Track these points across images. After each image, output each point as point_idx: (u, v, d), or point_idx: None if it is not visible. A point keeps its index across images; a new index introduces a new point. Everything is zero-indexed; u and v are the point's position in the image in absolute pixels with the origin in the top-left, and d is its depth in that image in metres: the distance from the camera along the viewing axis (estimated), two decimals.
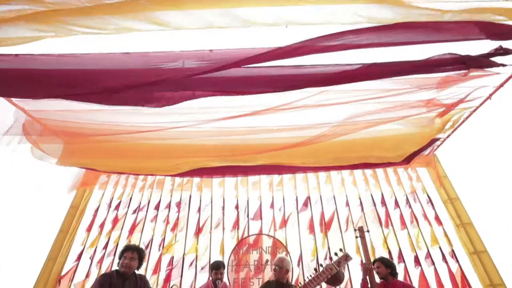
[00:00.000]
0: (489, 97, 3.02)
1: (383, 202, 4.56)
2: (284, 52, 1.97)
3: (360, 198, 4.67)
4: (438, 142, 3.87)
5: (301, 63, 2.35)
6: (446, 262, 3.88)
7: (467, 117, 3.37)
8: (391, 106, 2.83)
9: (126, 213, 4.63)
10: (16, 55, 1.97)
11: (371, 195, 4.66)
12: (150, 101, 2.38)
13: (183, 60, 1.95)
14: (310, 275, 2.87)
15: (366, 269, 3.14)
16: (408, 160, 3.71)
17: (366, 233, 3.34)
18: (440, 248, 3.98)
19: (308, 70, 2.32)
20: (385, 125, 3.02)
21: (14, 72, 1.99)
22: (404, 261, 4.00)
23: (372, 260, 3.30)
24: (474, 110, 3.22)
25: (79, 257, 4.13)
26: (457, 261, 3.85)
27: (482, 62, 2.12)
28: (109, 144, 3.11)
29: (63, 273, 3.92)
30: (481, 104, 3.13)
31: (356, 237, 3.35)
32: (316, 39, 1.92)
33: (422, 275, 3.88)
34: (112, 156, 3.38)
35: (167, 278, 4.13)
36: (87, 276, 4.04)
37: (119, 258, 2.83)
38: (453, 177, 4.41)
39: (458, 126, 3.48)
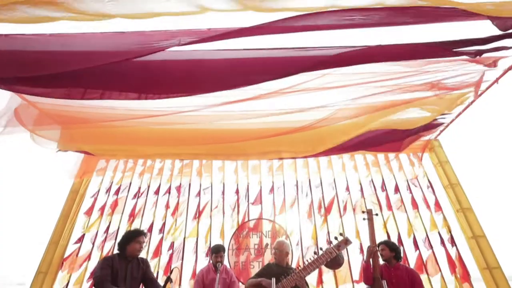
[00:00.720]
0: (496, 81, 2.96)
1: (384, 187, 4.60)
2: (287, 26, 1.91)
3: (360, 183, 4.70)
4: (441, 127, 3.84)
5: (303, 45, 2.29)
6: (444, 246, 3.96)
7: (472, 102, 3.33)
8: (395, 89, 2.78)
9: (126, 198, 4.68)
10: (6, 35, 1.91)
11: (372, 180, 4.69)
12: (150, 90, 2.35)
13: (180, 37, 1.89)
14: (310, 258, 2.93)
15: (371, 251, 3.16)
16: (408, 142, 3.71)
17: (374, 216, 3.35)
18: (439, 232, 4.05)
19: (310, 52, 2.26)
20: (388, 110, 2.98)
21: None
22: (402, 245, 4.08)
23: (377, 243, 3.35)
24: (480, 94, 3.17)
25: (80, 240, 4.21)
26: (455, 245, 3.92)
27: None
28: (107, 129, 3.08)
29: (65, 255, 4.01)
30: (487, 88, 3.08)
31: (364, 219, 3.38)
32: (319, 15, 1.85)
33: (420, 259, 3.98)
34: (110, 141, 3.36)
35: (168, 262, 4.23)
36: (89, 258, 4.13)
37: (129, 241, 2.87)
38: (454, 162, 4.42)
39: (463, 110, 3.44)
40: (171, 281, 2.56)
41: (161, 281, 3.68)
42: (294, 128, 3.15)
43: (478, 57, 2.19)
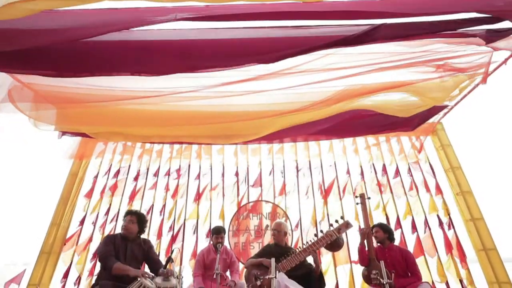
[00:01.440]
0: (504, 62, 2.88)
1: (384, 170, 4.62)
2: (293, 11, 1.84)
3: (361, 166, 4.72)
4: (445, 110, 3.80)
5: (304, 24, 2.21)
6: (442, 228, 4.04)
7: (478, 84, 3.26)
8: (400, 69, 2.72)
9: (126, 180, 4.71)
10: None
11: (373, 163, 4.71)
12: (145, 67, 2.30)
13: (176, 13, 1.82)
14: (310, 240, 2.99)
15: (364, 233, 3.32)
16: (413, 125, 3.68)
17: (366, 200, 3.50)
18: (437, 215, 4.12)
19: (312, 31, 2.19)
20: (392, 91, 2.93)
21: None
22: (401, 227, 4.16)
23: (371, 226, 3.46)
24: (487, 76, 3.10)
25: (82, 222, 4.29)
26: (453, 227, 4.00)
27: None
28: (104, 111, 3.05)
29: (67, 236, 4.10)
30: (494, 70, 3.00)
31: (357, 203, 3.49)
32: None
33: (418, 240, 4.07)
34: (108, 123, 3.33)
35: (169, 243, 4.33)
36: (91, 240, 4.23)
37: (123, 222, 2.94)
38: (457, 145, 4.42)
39: (468, 93, 3.38)
40: (172, 261, 2.62)
41: (162, 261, 3.79)
42: (294, 109, 3.11)
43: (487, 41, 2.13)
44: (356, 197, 3.59)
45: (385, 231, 3.38)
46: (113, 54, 2.20)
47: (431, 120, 4.07)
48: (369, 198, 3.66)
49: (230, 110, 3.13)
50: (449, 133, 4.46)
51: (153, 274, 2.74)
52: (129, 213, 2.99)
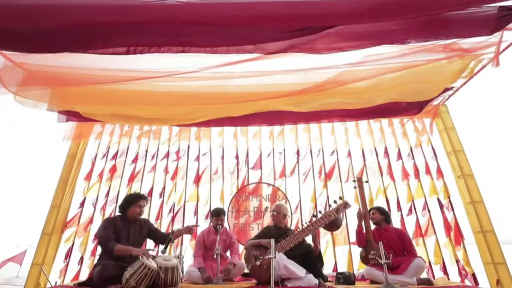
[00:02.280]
0: None
1: (386, 154, 4.64)
2: None
3: (362, 149, 4.73)
4: (450, 92, 3.75)
5: None
6: (442, 211, 4.12)
7: (485, 65, 3.20)
8: (405, 50, 2.66)
9: (125, 162, 4.74)
10: None
11: (375, 147, 4.71)
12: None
13: None
14: (309, 221, 3.06)
15: (361, 215, 3.45)
16: (419, 108, 3.67)
17: (364, 183, 3.60)
18: (438, 198, 4.18)
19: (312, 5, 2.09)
20: (397, 73, 2.87)
21: None
22: (401, 210, 4.23)
23: (368, 209, 3.55)
24: (496, 56, 3.03)
25: (82, 204, 4.36)
26: (453, 210, 4.07)
27: None
28: (100, 92, 3.01)
29: (68, 219, 4.18)
30: (504, 50, 2.93)
31: (354, 187, 3.57)
32: None
33: (417, 223, 4.16)
34: (103, 104, 3.30)
35: (169, 225, 4.43)
36: (91, 221, 4.32)
37: (129, 205, 2.98)
38: (460, 128, 4.41)
39: (475, 74, 3.32)
40: (173, 242, 2.69)
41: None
42: (297, 90, 3.07)
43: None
44: (354, 180, 3.67)
45: (381, 213, 3.54)
46: (106, 27, 2.14)
47: (435, 103, 4.04)
48: (366, 181, 3.75)
49: (228, 91, 3.09)
50: (453, 115, 4.43)
51: (153, 255, 2.82)
52: (143, 197, 3.06)
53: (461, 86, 3.66)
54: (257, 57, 2.52)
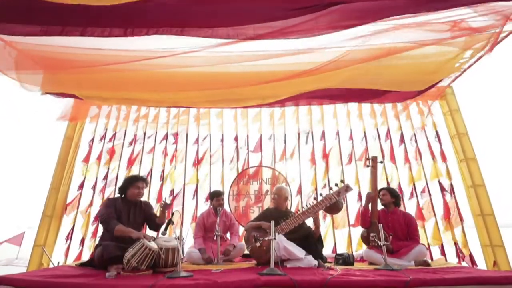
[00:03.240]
0: None
1: (388, 136, 4.64)
2: None
3: (364, 132, 4.73)
4: (457, 73, 3.69)
5: None
6: (443, 194, 4.17)
7: (494, 43, 3.12)
8: (412, 29, 2.59)
9: (123, 145, 4.76)
10: None
11: (377, 129, 4.71)
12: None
13: None
14: (310, 203, 3.10)
15: (369, 197, 3.45)
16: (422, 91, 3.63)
17: (379, 164, 3.55)
18: (439, 181, 4.22)
19: None
20: (403, 54, 2.82)
21: None
22: (402, 192, 4.29)
23: (379, 189, 3.56)
24: (506, 36, 2.96)
25: (81, 187, 4.42)
26: (454, 194, 4.13)
27: None
28: (95, 74, 2.97)
29: (68, 201, 4.25)
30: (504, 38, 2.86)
31: (368, 166, 3.56)
32: None
33: (418, 206, 4.23)
34: (99, 87, 3.27)
35: (169, 207, 4.49)
36: (91, 204, 4.39)
37: (128, 186, 3.02)
38: (465, 111, 4.38)
39: (484, 54, 3.25)
40: (173, 223, 2.74)
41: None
42: (298, 71, 3.03)
43: None
44: (367, 159, 3.64)
45: (392, 195, 3.50)
46: (103, 7, 2.08)
47: (440, 84, 3.99)
48: (381, 161, 3.69)
49: (229, 71, 3.05)
50: (459, 98, 4.39)
51: (154, 236, 2.88)
52: (141, 179, 3.08)
53: (468, 67, 3.59)
54: (258, 35, 2.47)
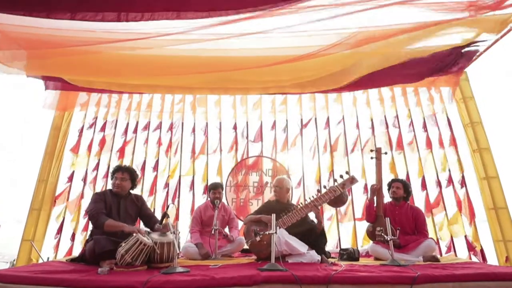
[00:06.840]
0: None
1: (397, 124, 4.62)
2: None
3: (372, 119, 4.71)
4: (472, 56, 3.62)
5: None
6: (453, 186, 4.18)
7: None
8: (423, 9, 2.54)
9: (114, 134, 4.74)
10: None
11: (385, 116, 4.68)
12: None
13: None
14: (313, 196, 3.10)
15: (374, 190, 3.45)
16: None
17: (383, 155, 3.56)
18: (449, 171, 4.23)
19: None
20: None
21: None
22: (409, 182, 4.29)
23: (392, 180, 3.59)
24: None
25: (70, 179, 4.42)
26: (465, 185, 4.13)
27: None
28: (83, 56, 2.92)
29: (57, 194, 4.26)
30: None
31: (372, 158, 3.55)
32: None
33: (427, 198, 4.24)
34: (87, 71, 3.22)
35: (165, 199, 4.52)
36: (82, 197, 4.40)
37: (111, 179, 3.02)
38: (479, 98, 4.34)
39: (500, 38, 3.18)
40: (168, 217, 2.75)
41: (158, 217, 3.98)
42: (300, 55, 2.98)
43: None
44: (371, 151, 3.63)
45: (405, 190, 3.50)
46: None
47: (455, 69, 3.93)
48: (386, 153, 3.69)
49: (228, 55, 3.00)
50: (473, 84, 4.34)
51: (148, 230, 2.89)
52: (120, 169, 3.02)
53: (485, 50, 3.53)
54: (258, 15, 2.42)
